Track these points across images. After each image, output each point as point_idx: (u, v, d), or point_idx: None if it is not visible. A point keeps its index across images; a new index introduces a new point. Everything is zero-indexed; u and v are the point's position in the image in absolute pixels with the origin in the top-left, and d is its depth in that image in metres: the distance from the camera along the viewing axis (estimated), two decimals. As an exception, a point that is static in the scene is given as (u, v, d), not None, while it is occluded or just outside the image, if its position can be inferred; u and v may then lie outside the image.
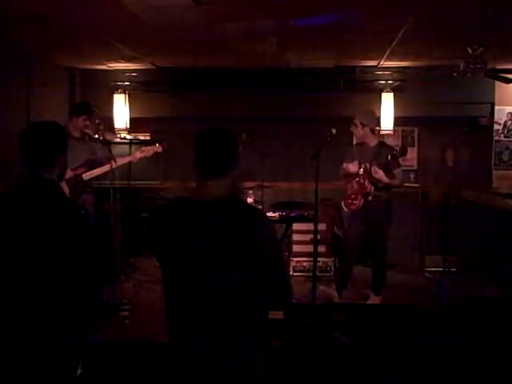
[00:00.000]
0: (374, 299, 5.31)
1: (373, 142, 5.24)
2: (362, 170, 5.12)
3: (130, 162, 5.61)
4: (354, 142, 5.66)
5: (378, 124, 6.31)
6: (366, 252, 5.55)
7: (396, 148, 5.23)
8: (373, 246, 5.34)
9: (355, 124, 5.18)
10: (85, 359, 2.29)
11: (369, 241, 5.32)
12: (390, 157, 4.97)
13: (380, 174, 4.97)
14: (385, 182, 5.03)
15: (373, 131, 5.30)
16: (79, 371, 2.23)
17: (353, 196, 5.20)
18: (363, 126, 5.17)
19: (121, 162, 5.27)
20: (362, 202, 5.14)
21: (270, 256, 2.02)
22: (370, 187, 5.07)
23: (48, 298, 2.15)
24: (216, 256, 1.94)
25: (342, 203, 5.34)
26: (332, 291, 5.34)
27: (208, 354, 1.96)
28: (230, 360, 1.97)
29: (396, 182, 5.13)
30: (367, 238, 5.28)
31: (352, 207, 5.20)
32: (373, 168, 4.99)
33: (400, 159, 5.08)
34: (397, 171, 5.11)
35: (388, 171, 5.01)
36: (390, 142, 7.00)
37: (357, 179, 5.17)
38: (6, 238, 2.17)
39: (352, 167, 5.17)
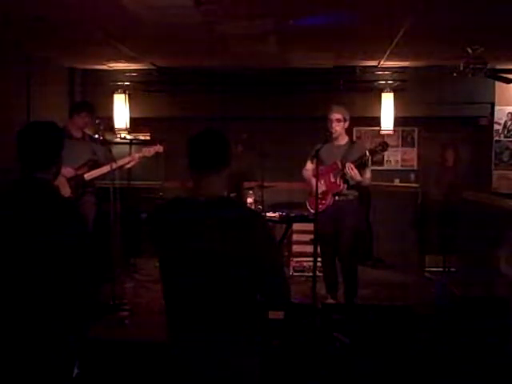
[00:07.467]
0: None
1: (344, 139, 5.05)
2: (334, 167, 4.93)
3: (130, 162, 5.53)
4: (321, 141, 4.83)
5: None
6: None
7: (367, 147, 5.05)
8: (342, 247, 5.08)
9: (339, 119, 4.92)
10: (83, 359, 2.28)
11: (338, 242, 5.09)
12: (368, 152, 4.83)
13: (355, 172, 4.79)
14: (357, 180, 4.87)
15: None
16: (76, 371, 2.23)
17: (320, 196, 4.84)
18: (345, 121, 4.98)
19: (121, 162, 5.25)
20: (331, 202, 4.97)
21: (267, 256, 2.03)
22: (343, 186, 4.92)
23: (44, 298, 2.14)
24: (214, 256, 1.95)
25: (307, 204, 5.11)
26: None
27: (207, 355, 1.96)
28: (230, 360, 1.97)
29: (366, 181, 4.98)
30: (337, 237, 5.08)
31: (320, 207, 4.79)
32: (347, 165, 4.80)
33: (374, 158, 4.93)
34: (365, 171, 4.93)
35: (362, 169, 4.86)
36: (390, 142, 6.99)
37: (326, 178, 4.97)
38: (2, 237, 2.17)
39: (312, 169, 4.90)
